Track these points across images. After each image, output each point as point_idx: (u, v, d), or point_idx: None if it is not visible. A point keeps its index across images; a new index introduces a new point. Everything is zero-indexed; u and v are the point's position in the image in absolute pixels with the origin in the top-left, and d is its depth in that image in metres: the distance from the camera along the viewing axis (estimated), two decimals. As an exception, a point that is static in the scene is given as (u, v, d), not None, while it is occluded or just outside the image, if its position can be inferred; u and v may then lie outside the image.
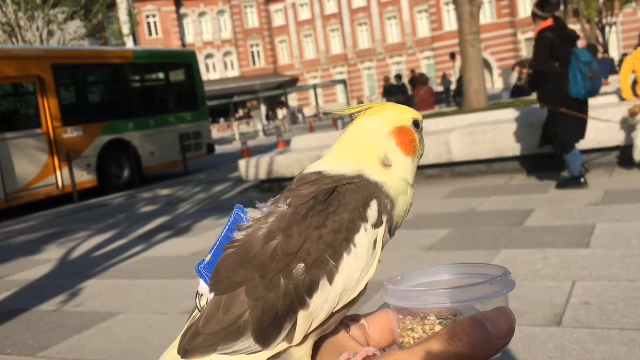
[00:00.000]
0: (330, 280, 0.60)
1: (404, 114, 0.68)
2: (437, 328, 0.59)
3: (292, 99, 60.14)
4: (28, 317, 4.36)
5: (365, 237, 0.61)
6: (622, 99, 7.96)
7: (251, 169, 9.38)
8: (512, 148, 7.47)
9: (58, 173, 11.41)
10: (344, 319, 0.65)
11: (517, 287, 0.61)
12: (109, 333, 3.79)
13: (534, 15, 5.95)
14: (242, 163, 9.59)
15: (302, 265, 0.59)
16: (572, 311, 3.06)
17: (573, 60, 5.64)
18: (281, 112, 41.69)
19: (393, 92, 16.82)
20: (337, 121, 19.90)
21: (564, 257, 3.95)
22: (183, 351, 0.61)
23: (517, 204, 5.85)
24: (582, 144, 7.02)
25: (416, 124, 0.69)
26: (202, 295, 0.64)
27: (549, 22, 5.80)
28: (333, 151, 0.69)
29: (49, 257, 6.51)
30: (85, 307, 4.44)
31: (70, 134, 11.72)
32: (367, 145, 0.66)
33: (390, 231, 0.65)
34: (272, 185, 9.33)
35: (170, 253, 5.92)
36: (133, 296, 4.58)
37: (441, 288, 0.61)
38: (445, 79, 28.43)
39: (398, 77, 18.38)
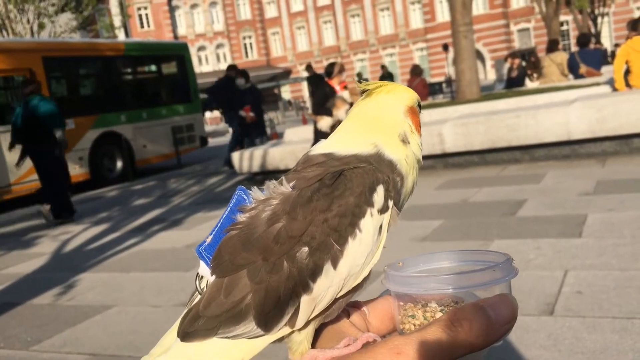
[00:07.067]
0: (335, 265, 0.59)
1: (413, 95, 0.69)
2: (438, 315, 0.58)
3: (285, 91, 60.00)
4: (21, 311, 4.35)
5: (370, 222, 0.60)
6: (614, 89, 7.98)
7: (245, 161, 9.36)
8: (505, 139, 7.50)
9: (50, 166, 11.32)
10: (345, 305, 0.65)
11: None
12: (102, 326, 3.79)
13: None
14: (235, 156, 9.56)
15: (306, 249, 0.58)
16: (564, 300, 3.08)
17: None
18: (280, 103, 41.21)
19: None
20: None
21: (557, 247, 3.97)
22: (183, 334, 0.60)
23: (510, 194, 5.87)
24: (574, 134, 7.07)
25: (419, 106, 0.70)
26: (202, 277, 0.63)
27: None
28: (345, 129, 0.68)
29: (43, 250, 6.49)
30: (79, 300, 4.44)
31: (62, 127, 11.62)
32: (387, 122, 0.66)
33: (398, 208, 0.65)
34: (266, 178, 9.22)
35: (164, 246, 5.91)
36: (127, 289, 4.57)
37: (443, 274, 0.60)
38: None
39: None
